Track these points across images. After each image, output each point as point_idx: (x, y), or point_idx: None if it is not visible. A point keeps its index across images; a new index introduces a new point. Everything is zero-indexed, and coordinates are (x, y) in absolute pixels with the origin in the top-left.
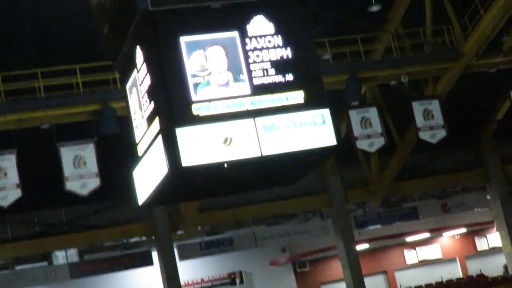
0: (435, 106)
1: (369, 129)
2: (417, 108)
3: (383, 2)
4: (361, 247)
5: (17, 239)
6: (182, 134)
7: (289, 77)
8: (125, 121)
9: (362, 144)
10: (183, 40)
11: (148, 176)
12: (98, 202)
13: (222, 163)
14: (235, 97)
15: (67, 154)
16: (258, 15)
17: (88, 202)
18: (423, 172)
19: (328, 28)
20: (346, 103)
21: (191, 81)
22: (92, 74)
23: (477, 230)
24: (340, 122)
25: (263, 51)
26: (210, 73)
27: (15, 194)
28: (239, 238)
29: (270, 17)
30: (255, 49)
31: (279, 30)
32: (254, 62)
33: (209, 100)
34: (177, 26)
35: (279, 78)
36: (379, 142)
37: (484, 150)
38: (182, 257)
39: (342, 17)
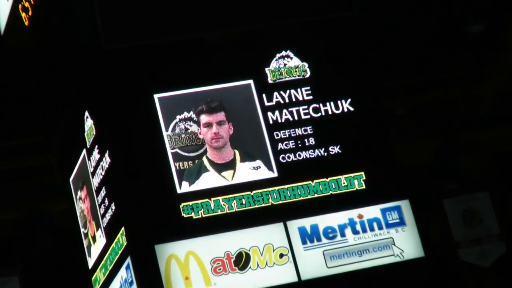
0: None
1: (478, 229)
2: None
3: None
4: None
5: None
6: (166, 252)
7: (337, 149)
8: (69, 235)
9: (467, 254)
10: (158, 97)
11: None
12: None
13: None
14: (250, 187)
15: None
16: (284, 52)
17: None
18: None
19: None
20: (438, 187)
21: (176, 164)
22: (14, 158)
23: None
24: (429, 219)
25: (293, 109)
26: (205, 149)
27: None
28: None
29: (301, 55)
30: (278, 106)
31: (316, 76)
32: (279, 128)
33: (208, 193)
34: (149, 76)
35: (320, 152)
36: (497, 249)
37: None
38: None
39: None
